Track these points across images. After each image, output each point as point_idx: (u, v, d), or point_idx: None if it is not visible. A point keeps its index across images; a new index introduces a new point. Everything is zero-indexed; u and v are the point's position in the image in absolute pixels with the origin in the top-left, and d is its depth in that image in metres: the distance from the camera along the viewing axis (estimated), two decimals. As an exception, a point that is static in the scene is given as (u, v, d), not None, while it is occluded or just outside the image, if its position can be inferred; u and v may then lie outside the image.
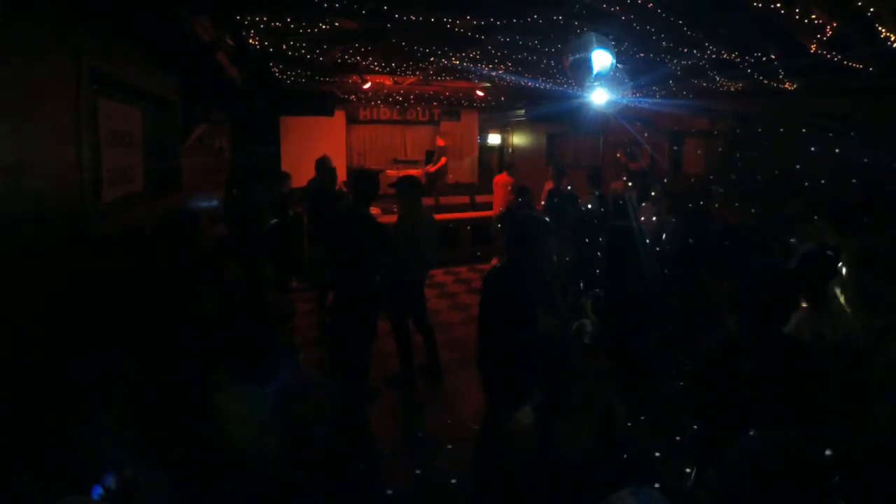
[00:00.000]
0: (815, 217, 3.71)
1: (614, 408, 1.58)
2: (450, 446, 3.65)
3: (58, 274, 2.20)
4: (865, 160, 4.16)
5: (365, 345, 3.80)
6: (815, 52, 3.48)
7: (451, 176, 11.32)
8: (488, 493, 1.69)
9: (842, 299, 2.36)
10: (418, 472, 3.41)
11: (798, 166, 4.93)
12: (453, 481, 3.26)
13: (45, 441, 1.38)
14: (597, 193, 6.09)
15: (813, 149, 4.80)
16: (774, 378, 1.86)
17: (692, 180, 6.74)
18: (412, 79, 7.07)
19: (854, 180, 4.32)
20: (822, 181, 4.60)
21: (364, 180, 3.96)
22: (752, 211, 5.13)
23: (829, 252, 2.77)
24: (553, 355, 1.53)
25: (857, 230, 3.07)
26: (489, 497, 1.69)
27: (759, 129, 5.67)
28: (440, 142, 10.85)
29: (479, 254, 8.70)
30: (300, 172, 7.17)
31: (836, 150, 4.57)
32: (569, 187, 7.02)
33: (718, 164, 6.43)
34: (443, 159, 10.74)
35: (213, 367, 2.20)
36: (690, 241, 4.64)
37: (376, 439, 3.83)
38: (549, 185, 7.25)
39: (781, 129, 5.28)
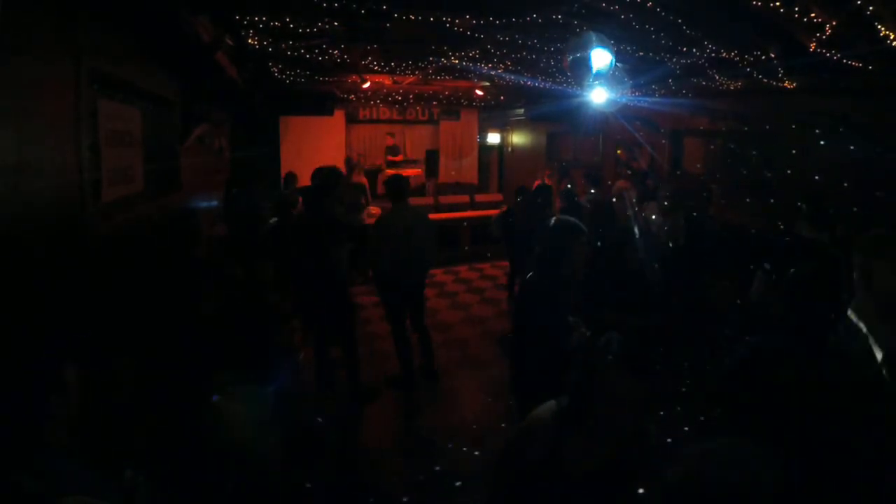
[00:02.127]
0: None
1: (641, 436, 1.52)
2: (450, 446, 3.64)
3: (57, 274, 2.20)
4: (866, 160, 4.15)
5: (343, 321, 4.12)
6: (815, 51, 3.47)
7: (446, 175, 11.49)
8: (499, 482, 1.67)
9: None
10: (419, 471, 3.41)
11: (800, 165, 4.92)
12: (455, 481, 3.26)
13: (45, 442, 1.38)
14: (592, 192, 6.08)
15: (813, 148, 4.79)
16: (815, 389, 1.74)
17: (692, 178, 6.73)
18: (412, 78, 7.08)
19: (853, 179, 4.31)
20: (824, 181, 4.59)
21: (319, 177, 4.40)
22: (746, 210, 5.11)
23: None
24: (578, 368, 1.50)
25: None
26: (498, 489, 1.67)
27: (759, 129, 5.66)
28: (389, 140, 11.18)
29: (480, 253, 8.71)
30: (301, 172, 7.18)
31: (835, 150, 4.56)
32: (569, 186, 7.03)
33: (718, 163, 6.43)
34: (399, 157, 11.05)
35: (212, 367, 2.20)
36: (689, 240, 4.63)
37: (376, 439, 3.83)
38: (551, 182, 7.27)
39: (781, 129, 5.28)
